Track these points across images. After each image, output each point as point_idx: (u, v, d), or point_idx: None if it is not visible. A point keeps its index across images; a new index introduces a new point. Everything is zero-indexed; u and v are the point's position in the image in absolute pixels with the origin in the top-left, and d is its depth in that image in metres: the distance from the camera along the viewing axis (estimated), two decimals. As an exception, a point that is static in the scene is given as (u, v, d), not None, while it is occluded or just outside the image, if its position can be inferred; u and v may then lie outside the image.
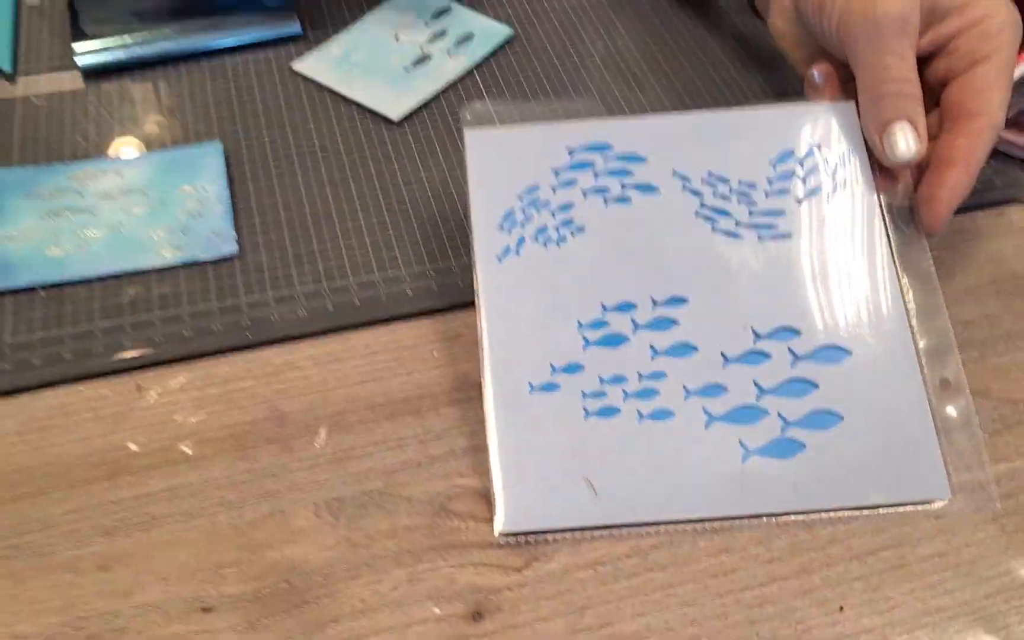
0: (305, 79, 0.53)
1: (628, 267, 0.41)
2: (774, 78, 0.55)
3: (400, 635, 0.33)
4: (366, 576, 0.35)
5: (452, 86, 0.54)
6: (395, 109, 0.51)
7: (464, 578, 0.35)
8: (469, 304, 0.43)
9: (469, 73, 0.54)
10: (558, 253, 0.41)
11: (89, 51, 0.52)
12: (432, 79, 0.53)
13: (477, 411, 0.39)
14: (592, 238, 0.42)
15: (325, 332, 0.42)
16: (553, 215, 0.42)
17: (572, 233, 0.42)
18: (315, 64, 0.54)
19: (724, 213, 0.42)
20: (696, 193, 0.43)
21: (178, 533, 0.36)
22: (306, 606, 0.34)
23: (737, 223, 0.42)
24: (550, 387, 0.39)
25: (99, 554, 0.35)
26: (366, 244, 0.46)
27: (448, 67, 0.54)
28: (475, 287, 0.40)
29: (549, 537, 0.36)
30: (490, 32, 0.56)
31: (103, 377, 0.40)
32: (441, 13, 0.58)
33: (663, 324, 0.40)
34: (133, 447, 0.38)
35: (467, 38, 0.56)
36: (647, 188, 0.43)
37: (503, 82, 0.55)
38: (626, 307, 0.40)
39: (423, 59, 0.55)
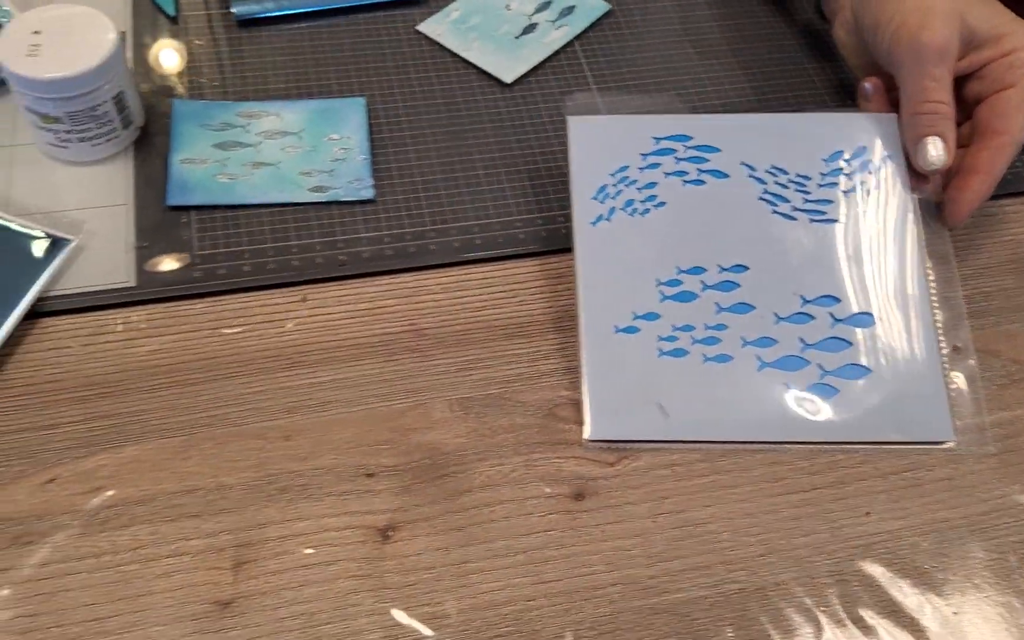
0: (428, 40, 0.61)
1: (700, 238, 0.50)
2: (837, 69, 0.63)
3: (519, 505, 0.43)
4: (491, 459, 0.44)
5: (555, 55, 0.61)
6: (509, 73, 0.59)
7: (568, 467, 0.44)
8: (570, 249, 0.52)
9: (570, 43, 0.62)
10: (642, 222, 0.50)
11: (246, 4, 0.60)
12: (538, 48, 0.61)
13: (575, 338, 0.48)
14: (671, 212, 0.51)
15: (451, 264, 0.51)
16: (639, 191, 0.51)
17: (655, 207, 0.51)
18: (436, 26, 0.62)
19: (782, 199, 0.51)
20: (760, 181, 0.51)
21: (343, 415, 0.45)
22: (445, 478, 0.44)
23: (793, 208, 0.51)
24: (631, 329, 0.48)
25: (282, 427, 0.44)
26: (484, 192, 0.54)
27: (552, 37, 0.62)
28: (573, 245, 0.49)
29: (626, 445, 0.45)
30: (590, 7, 0.64)
31: (275, 288, 0.49)
32: None
33: (727, 286, 0.49)
34: (302, 346, 0.47)
35: (569, 10, 0.63)
36: (719, 174, 0.52)
37: (600, 53, 0.62)
38: (697, 271, 0.49)
39: (530, 28, 0.62)
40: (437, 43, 0.61)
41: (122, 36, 0.49)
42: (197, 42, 0.59)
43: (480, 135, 0.57)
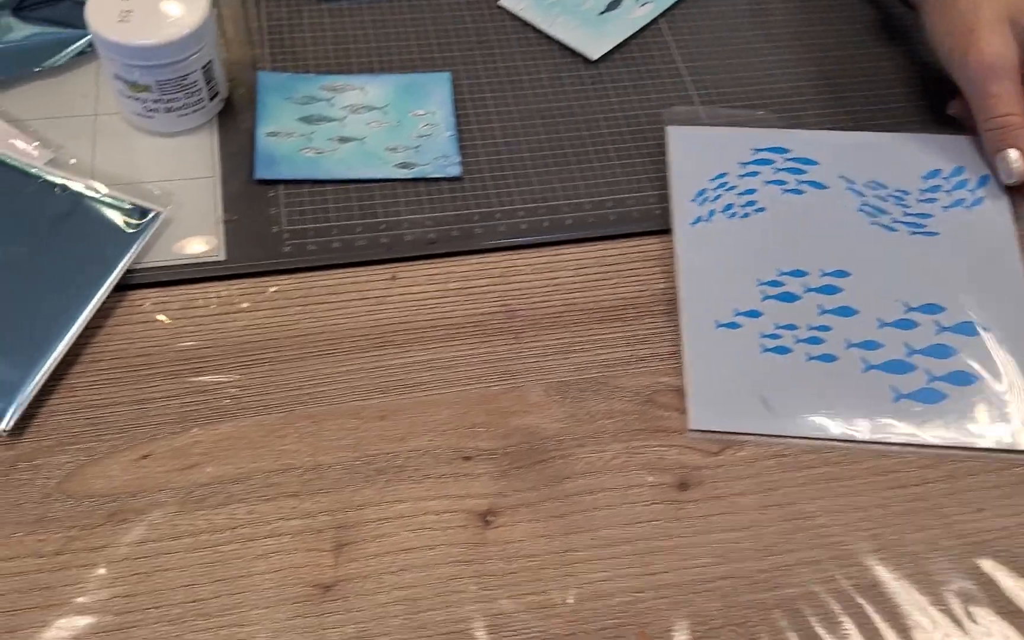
0: (510, 14, 0.60)
1: (800, 242, 0.50)
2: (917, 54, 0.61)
3: (622, 493, 0.42)
4: (590, 445, 0.43)
5: (640, 32, 0.60)
6: (594, 50, 0.57)
7: (671, 456, 0.43)
8: (663, 231, 0.51)
9: (655, 21, 0.60)
10: (741, 225, 0.50)
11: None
12: (623, 24, 0.59)
13: (672, 323, 0.47)
14: (770, 217, 0.50)
15: (541, 245, 0.50)
16: (738, 196, 0.51)
17: (754, 211, 0.51)
18: (519, 2, 0.60)
19: (881, 211, 0.51)
20: (858, 193, 0.51)
21: (438, 396, 0.44)
22: (544, 463, 0.42)
23: (893, 220, 0.51)
24: (733, 325, 0.47)
25: (377, 407, 0.43)
26: (573, 171, 0.52)
27: (637, 14, 0.60)
28: (673, 241, 0.49)
29: (730, 436, 0.44)
30: None
31: (365, 265, 0.48)
32: None
33: (829, 289, 0.48)
34: (394, 325, 0.46)
35: None
36: (817, 185, 0.52)
37: (686, 31, 0.60)
38: (798, 273, 0.49)
39: (614, 4, 0.60)
40: (520, 18, 0.60)
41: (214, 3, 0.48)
42: (277, 12, 0.58)
43: (566, 113, 0.55)
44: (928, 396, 0.45)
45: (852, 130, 0.55)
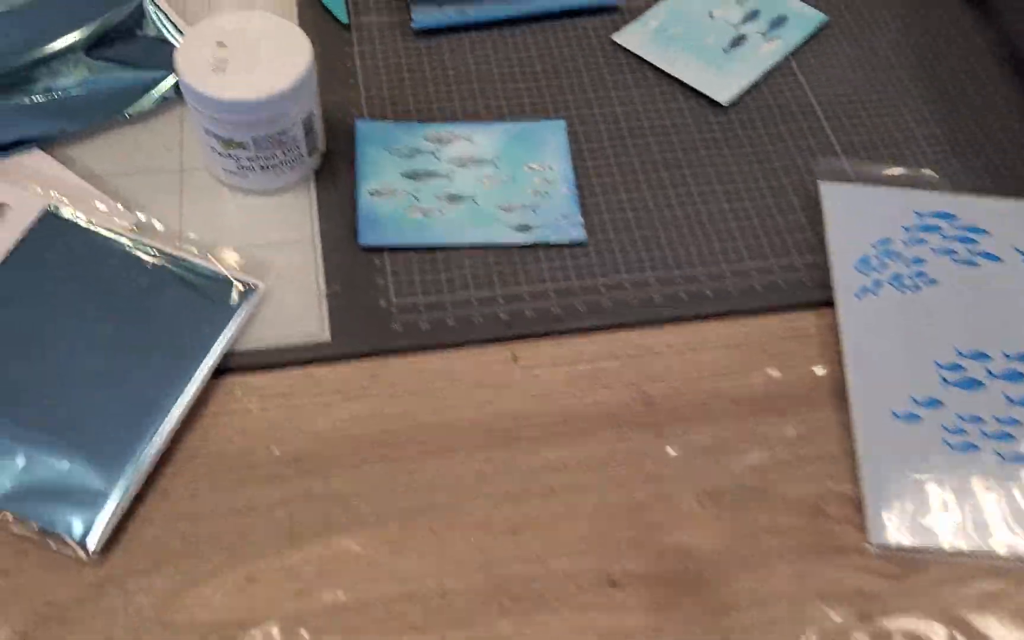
0: (626, 52, 0.54)
1: (979, 321, 0.44)
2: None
3: (797, 627, 0.36)
4: (755, 569, 0.37)
5: (769, 72, 0.54)
6: (723, 92, 0.52)
7: (849, 580, 0.37)
8: (817, 304, 0.45)
9: (785, 59, 0.55)
10: (914, 299, 0.44)
11: (424, 9, 0.53)
12: (751, 63, 0.54)
13: (837, 417, 0.41)
14: (944, 291, 0.45)
15: (679, 319, 0.44)
16: (907, 266, 0.45)
17: (926, 284, 0.45)
18: (635, 37, 0.54)
19: None
20: None
21: (576, 505, 0.38)
22: (703, 591, 0.37)
23: None
24: (912, 417, 0.41)
25: (507, 518, 0.38)
26: (709, 233, 0.47)
27: (764, 51, 0.54)
28: (836, 316, 0.44)
29: (917, 553, 0.38)
30: (804, 16, 0.56)
31: (482, 344, 0.43)
32: None
33: (1015, 377, 0.42)
34: (518, 416, 0.40)
35: (780, 21, 0.56)
36: (991, 257, 0.46)
37: (819, 71, 0.54)
38: (980, 356, 0.43)
39: (739, 40, 0.55)
40: (636, 56, 0.54)
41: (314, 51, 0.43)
42: (371, 49, 0.53)
43: (696, 164, 0.49)
44: None
45: (1018, 197, 0.49)
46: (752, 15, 0.56)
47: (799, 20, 0.56)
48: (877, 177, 0.49)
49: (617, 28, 0.55)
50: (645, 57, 0.53)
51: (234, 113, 0.41)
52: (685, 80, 0.52)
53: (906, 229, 0.47)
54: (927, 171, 0.50)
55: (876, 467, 0.40)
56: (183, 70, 0.41)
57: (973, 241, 0.46)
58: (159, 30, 0.51)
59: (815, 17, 0.56)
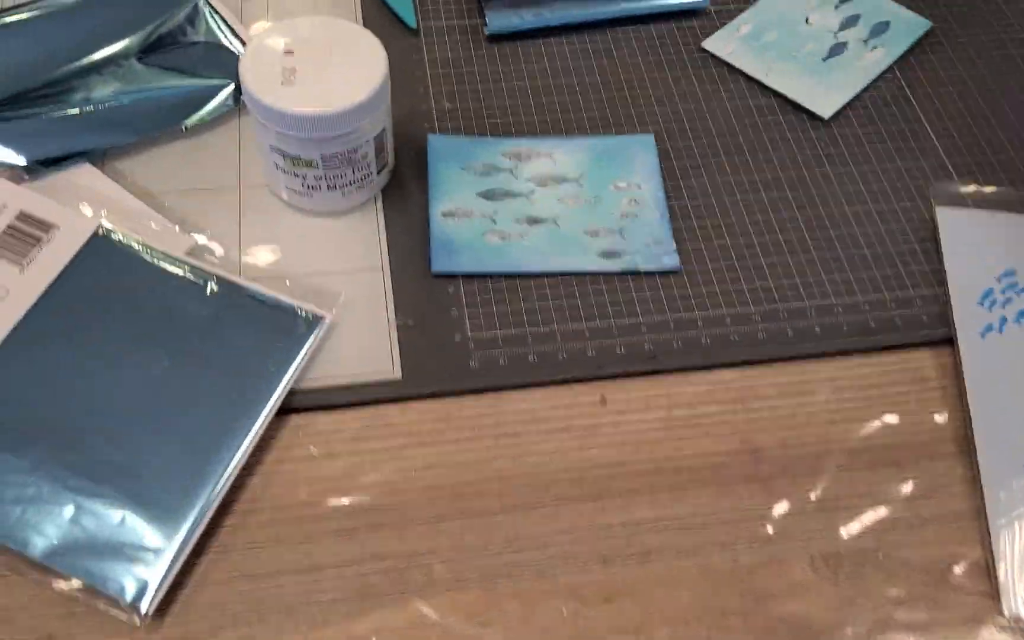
0: (715, 59, 0.50)
1: None
2: None
3: (932, 722, 0.32)
4: (880, 646, 0.33)
5: (873, 83, 0.49)
6: (825, 106, 0.47)
7: (988, 665, 0.33)
8: (935, 342, 0.40)
9: (889, 69, 0.50)
10: None
11: (499, 12, 0.49)
12: (853, 73, 0.49)
13: (961, 469, 0.37)
14: None
15: (785, 359, 0.40)
16: None
17: None
18: (725, 44, 0.50)
19: None
20: None
21: (676, 569, 0.34)
22: (822, 672, 0.33)
23: None
24: None
25: (599, 582, 0.34)
26: (815, 261, 0.42)
27: (867, 60, 0.50)
28: (958, 356, 0.39)
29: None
30: (907, 23, 0.51)
31: (567, 384, 0.39)
32: None
33: None
34: (610, 466, 0.36)
35: (882, 27, 0.51)
36: None
37: (928, 82, 0.50)
38: None
39: (838, 48, 0.50)
40: (728, 64, 0.50)
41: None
42: (443, 54, 0.49)
43: (797, 184, 0.45)
44: None
45: None
46: (852, 21, 0.51)
47: (903, 26, 0.51)
48: (997, 201, 0.45)
49: (706, 33, 0.51)
50: (737, 66, 0.49)
51: (304, 129, 0.37)
52: (783, 92, 0.48)
53: None
54: (1055, 195, 0.45)
55: (1008, 529, 0.35)
56: (248, 80, 0.37)
57: None
58: (215, 34, 0.47)
59: (920, 23, 0.51)
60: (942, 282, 0.42)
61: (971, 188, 0.45)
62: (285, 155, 0.39)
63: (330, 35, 0.39)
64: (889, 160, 0.46)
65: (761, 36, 0.50)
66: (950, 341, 0.40)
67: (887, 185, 0.45)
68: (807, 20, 0.51)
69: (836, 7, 0.52)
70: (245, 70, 0.38)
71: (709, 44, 0.50)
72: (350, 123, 0.38)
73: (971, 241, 0.43)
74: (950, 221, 0.43)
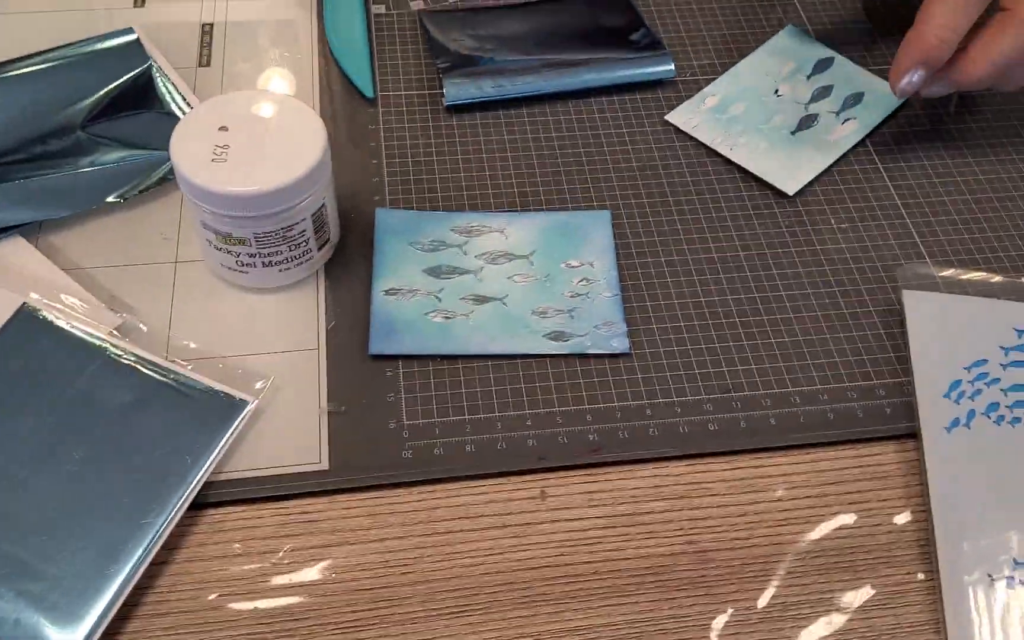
0: (680, 133, 0.48)
1: None
2: None
3: None
4: None
5: (844, 157, 0.48)
6: (790, 182, 0.46)
7: None
8: (899, 436, 0.38)
9: (861, 142, 0.48)
10: (1012, 433, 0.38)
11: (457, 83, 0.48)
12: (822, 148, 0.47)
13: (921, 576, 0.34)
14: None
15: (738, 452, 0.38)
16: (1004, 394, 0.39)
17: None
18: (690, 116, 0.49)
19: None
20: None
21: (609, 686, 0.32)
22: None
23: None
24: (1011, 582, 0.34)
25: (526, 698, 0.32)
26: (772, 346, 0.40)
27: (838, 134, 0.48)
28: (922, 454, 0.37)
29: None
30: (882, 94, 0.49)
31: (506, 476, 0.37)
32: (824, 65, 0.51)
33: None
34: (546, 568, 0.34)
35: (855, 99, 0.49)
36: None
37: (901, 158, 0.48)
38: None
39: (808, 120, 0.48)
40: (691, 137, 0.48)
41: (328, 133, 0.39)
42: (399, 126, 0.48)
43: (759, 266, 0.43)
44: None
45: None
46: (824, 92, 0.50)
47: (877, 98, 0.49)
48: (969, 285, 0.43)
49: (672, 105, 0.49)
50: (702, 139, 0.48)
51: (234, 208, 0.36)
52: (747, 167, 0.46)
53: (1004, 350, 0.40)
54: (1029, 280, 0.43)
55: (967, 643, 0.33)
56: (178, 156, 0.36)
57: None
58: (167, 103, 0.46)
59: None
60: (908, 371, 0.40)
61: (942, 271, 0.43)
62: (217, 232, 0.37)
63: (269, 111, 0.38)
64: (857, 239, 0.45)
65: (728, 109, 0.49)
66: (915, 434, 0.38)
67: (853, 266, 0.43)
68: (777, 91, 0.50)
69: (808, 78, 0.50)
70: (175, 145, 0.37)
71: (673, 117, 0.49)
72: (283, 201, 0.36)
73: (940, 327, 0.40)
74: (918, 305, 0.41)
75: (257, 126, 0.38)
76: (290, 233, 0.38)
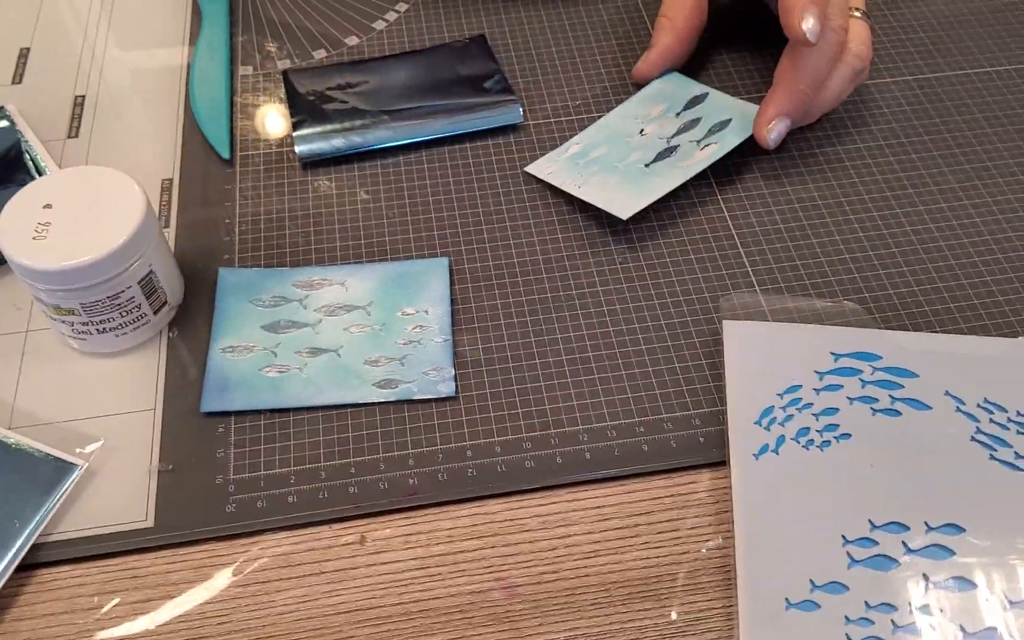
0: (533, 179, 0.50)
1: (898, 484, 0.38)
2: None
3: None
4: None
5: (687, 191, 0.49)
6: (626, 208, 0.46)
7: None
8: (711, 465, 0.40)
9: (703, 173, 0.49)
10: (821, 457, 0.39)
11: (307, 138, 0.50)
12: (670, 174, 0.48)
13: (722, 601, 0.36)
14: (858, 447, 0.39)
15: (552, 488, 0.39)
16: (816, 418, 0.40)
17: (836, 439, 0.39)
18: (548, 165, 0.50)
19: (1002, 442, 0.39)
20: (971, 417, 0.39)
21: (406, 724, 0.34)
22: None
23: (1016, 455, 0.38)
24: (809, 606, 0.35)
25: (325, 739, 0.33)
26: (595, 382, 0.42)
27: (694, 159, 0.48)
28: (731, 481, 0.38)
29: None
30: (749, 118, 0.49)
31: (327, 524, 0.38)
32: (697, 101, 0.52)
33: (938, 553, 0.36)
34: (355, 612, 0.36)
35: (721, 126, 0.50)
36: (918, 404, 0.40)
37: (739, 185, 0.49)
38: (897, 528, 0.37)
39: (666, 152, 0.49)
40: (545, 183, 0.49)
41: (167, 189, 0.40)
42: (253, 190, 0.50)
43: (589, 302, 0.44)
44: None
45: (961, 334, 0.43)
46: (691, 124, 0.50)
47: (743, 121, 0.50)
48: (797, 312, 0.44)
49: (522, 151, 0.51)
50: (555, 184, 0.49)
51: (54, 283, 0.38)
52: (591, 201, 0.47)
53: (819, 374, 0.41)
54: (850, 303, 0.45)
55: (762, 673, 0.34)
56: (2, 237, 0.38)
57: (898, 386, 0.40)
58: (33, 177, 0.48)
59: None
60: (725, 400, 0.41)
61: (769, 298, 0.45)
62: (47, 305, 0.39)
63: (92, 185, 0.40)
64: (688, 270, 0.46)
65: (589, 154, 0.50)
66: (726, 462, 0.40)
67: (682, 297, 0.45)
68: (642, 131, 0.51)
69: (678, 115, 0.51)
70: (1, 225, 0.39)
71: (532, 168, 0.50)
72: (104, 272, 0.38)
73: (757, 356, 0.42)
74: (736, 334, 0.42)
75: (79, 201, 0.40)
76: (118, 300, 0.40)
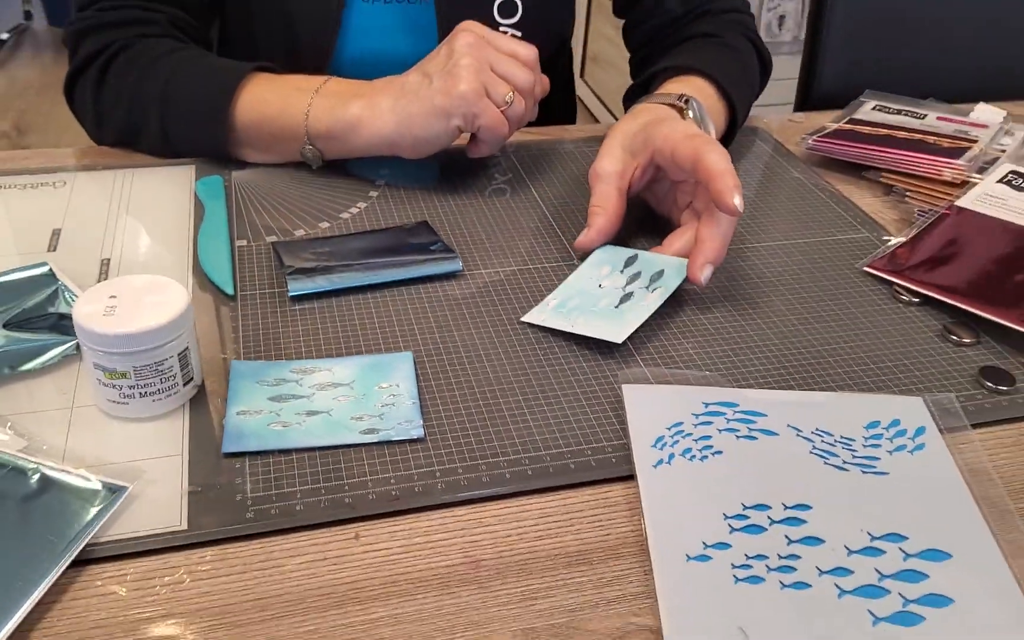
0: (531, 327, 0.65)
1: (760, 480, 0.52)
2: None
3: (598, 738, 0.39)
4: (562, 691, 0.41)
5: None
6: (618, 333, 0.61)
7: (647, 694, 0.41)
8: (622, 478, 0.52)
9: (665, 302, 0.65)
10: (702, 467, 0.52)
11: (299, 282, 0.64)
12: (639, 309, 0.63)
13: (638, 564, 0.47)
14: (728, 459, 0.53)
15: (505, 496, 0.51)
16: (696, 441, 0.54)
17: (712, 454, 0.53)
18: (539, 314, 0.64)
19: (832, 454, 0.54)
20: (808, 439, 0.55)
21: (400, 651, 0.42)
22: (514, 713, 0.40)
23: (843, 462, 0.54)
24: (703, 558, 0.47)
25: (337, 666, 0.41)
26: (531, 428, 0.55)
27: (649, 299, 0.64)
28: (638, 485, 0.50)
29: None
30: (677, 267, 0.67)
31: (328, 527, 0.48)
32: (631, 261, 0.69)
33: (794, 522, 0.49)
34: (356, 582, 0.45)
35: (659, 275, 0.67)
36: (768, 432, 0.55)
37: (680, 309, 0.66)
38: (762, 507, 0.50)
39: (627, 297, 0.65)
40: (539, 327, 0.63)
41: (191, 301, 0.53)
42: (253, 316, 0.63)
43: (529, 379, 0.58)
44: (906, 619, 0.44)
45: (794, 391, 0.59)
46: (635, 276, 0.67)
47: (674, 270, 0.67)
48: (672, 377, 0.59)
49: (470, 294, 0.67)
50: (549, 325, 0.63)
51: (118, 346, 0.49)
52: (585, 333, 0.62)
53: (696, 416, 0.55)
54: (713, 374, 0.59)
55: (671, 600, 0.45)
56: (79, 314, 0.50)
57: (752, 421, 0.55)
58: (69, 307, 0.60)
59: (683, 265, 0.67)
60: (627, 434, 0.54)
61: (652, 370, 0.59)
62: (103, 369, 0.50)
63: (146, 284, 0.53)
64: (600, 353, 0.60)
65: (566, 304, 0.65)
66: (632, 476, 0.52)
67: (592, 377, 0.59)
68: (600, 285, 0.67)
69: (622, 271, 0.68)
70: (78, 307, 0.51)
71: (527, 318, 0.64)
72: (154, 340, 0.50)
73: (649, 406, 0.56)
74: (633, 395, 0.56)
75: (136, 293, 0.52)
76: (160, 367, 0.51)
